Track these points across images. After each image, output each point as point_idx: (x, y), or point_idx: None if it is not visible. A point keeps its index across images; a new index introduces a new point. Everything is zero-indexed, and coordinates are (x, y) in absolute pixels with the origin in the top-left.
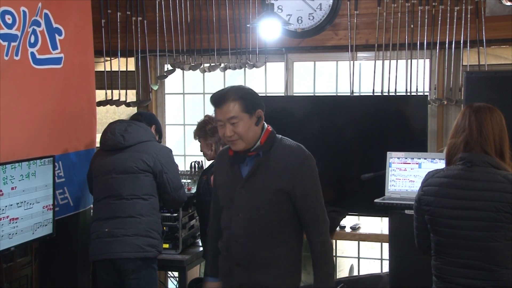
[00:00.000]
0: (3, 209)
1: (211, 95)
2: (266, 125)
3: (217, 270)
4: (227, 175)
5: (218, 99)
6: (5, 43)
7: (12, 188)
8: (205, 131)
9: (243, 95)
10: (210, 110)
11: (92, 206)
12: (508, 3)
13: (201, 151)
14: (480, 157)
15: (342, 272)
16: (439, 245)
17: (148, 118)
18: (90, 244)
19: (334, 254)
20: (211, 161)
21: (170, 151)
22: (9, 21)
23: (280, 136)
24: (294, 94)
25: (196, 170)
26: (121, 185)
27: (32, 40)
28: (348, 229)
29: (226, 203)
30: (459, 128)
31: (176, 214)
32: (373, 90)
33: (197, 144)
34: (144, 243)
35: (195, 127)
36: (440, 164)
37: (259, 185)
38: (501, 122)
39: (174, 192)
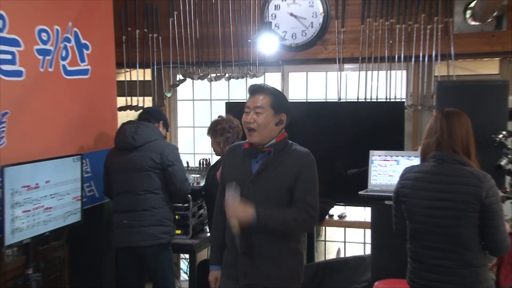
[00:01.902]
0: (39, 200)
1: (250, 85)
2: (284, 130)
3: (221, 260)
4: (237, 169)
5: (255, 88)
6: (41, 57)
7: (47, 182)
8: (215, 130)
9: (276, 94)
10: (215, 115)
11: None
12: (473, 23)
13: (211, 146)
14: (450, 155)
15: (330, 254)
16: (414, 231)
17: (156, 114)
18: (113, 233)
19: (322, 239)
20: (218, 158)
21: (176, 147)
22: (45, 38)
23: (291, 141)
24: (290, 100)
25: (204, 166)
26: (135, 182)
27: (64, 54)
28: (336, 217)
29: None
30: (432, 130)
31: (186, 205)
32: (358, 97)
33: (205, 144)
34: (158, 231)
35: (203, 128)
36: (415, 161)
37: (267, 181)
38: (467, 125)
39: (180, 184)
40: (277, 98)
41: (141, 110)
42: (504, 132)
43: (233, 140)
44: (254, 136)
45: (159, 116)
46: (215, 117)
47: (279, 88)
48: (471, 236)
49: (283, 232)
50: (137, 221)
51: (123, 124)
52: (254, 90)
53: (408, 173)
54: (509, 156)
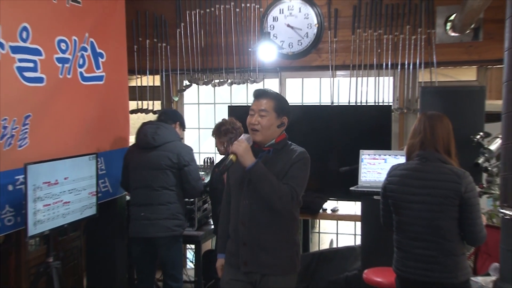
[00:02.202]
0: (58, 195)
1: (254, 90)
2: (284, 131)
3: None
4: (239, 166)
5: (260, 92)
6: (60, 65)
7: (65, 178)
8: (220, 131)
9: (279, 99)
10: (219, 117)
11: (126, 193)
12: (453, 34)
13: (215, 146)
14: (432, 154)
15: (324, 245)
16: (400, 223)
17: (173, 116)
18: (130, 223)
19: (317, 230)
20: (222, 156)
21: (191, 149)
22: (64, 48)
23: (291, 142)
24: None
25: (208, 164)
26: (153, 178)
27: (81, 62)
28: (329, 211)
29: (235, 191)
30: (416, 131)
31: (192, 200)
32: (349, 101)
33: (209, 144)
34: (172, 224)
35: (208, 130)
36: (402, 160)
37: None
38: (448, 127)
39: (194, 182)
40: (280, 102)
41: (160, 111)
42: (481, 133)
43: (236, 139)
44: (257, 135)
45: (175, 118)
46: (218, 120)
47: (280, 93)
48: (451, 227)
49: (266, 196)
50: (153, 214)
51: (144, 124)
52: (259, 95)
53: (394, 170)
54: (486, 155)
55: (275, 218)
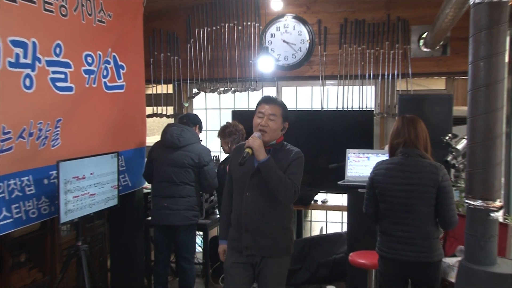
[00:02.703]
0: (85, 188)
1: (263, 96)
2: (282, 134)
3: (227, 236)
4: (238, 165)
5: (270, 98)
6: (87, 76)
7: (91, 173)
8: (224, 132)
9: (285, 107)
10: (223, 121)
11: (143, 186)
12: (425, 49)
13: (221, 146)
14: (414, 151)
15: (315, 231)
16: (385, 210)
17: (193, 119)
18: (153, 212)
19: (308, 219)
20: (227, 155)
21: (209, 151)
22: (90, 61)
23: (286, 143)
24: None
25: (214, 162)
26: (176, 174)
27: (105, 73)
28: (319, 202)
29: (239, 185)
30: (400, 132)
31: (201, 192)
32: (337, 106)
33: (215, 144)
34: (190, 214)
35: (214, 131)
36: (383, 157)
37: None
38: (425, 128)
39: (211, 180)
40: (285, 110)
41: (183, 115)
42: (449, 135)
43: (239, 140)
44: (265, 136)
45: (195, 121)
46: (223, 123)
47: None
48: (429, 213)
49: (274, 188)
50: (175, 205)
51: (169, 126)
52: (270, 100)
53: (380, 165)
54: (453, 153)
55: (273, 208)
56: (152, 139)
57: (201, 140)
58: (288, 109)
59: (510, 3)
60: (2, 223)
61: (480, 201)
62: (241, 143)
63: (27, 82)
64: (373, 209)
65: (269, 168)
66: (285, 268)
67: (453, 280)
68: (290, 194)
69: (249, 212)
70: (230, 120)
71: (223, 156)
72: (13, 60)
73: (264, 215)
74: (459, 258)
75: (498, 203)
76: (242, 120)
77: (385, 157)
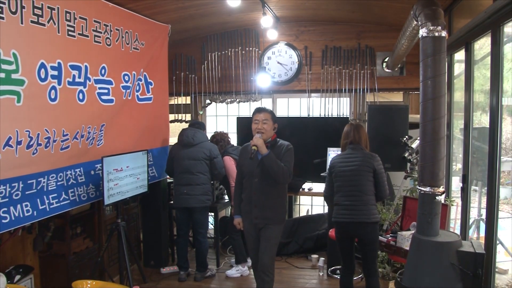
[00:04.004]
0: (122, 178)
1: (256, 107)
2: (274, 133)
3: (240, 211)
4: (248, 158)
5: (261, 108)
6: (124, 90)
7: (127, 166)
8: (212, 142)
9: (272, 113)
10: (231, 125)
11: (167, 177)
12: (387, 70)
13: None
14: (358, 146)
15: (302, 212)
16: (338, 187)
17: (201, 125)
18: (175, 198)
19: (297, 203)
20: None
21: (217, 147)
22: (127, 79)
23: (279, 139)
24: (277, 116)
25: (222, 157)
26: (193, 166)
27: (137, 88)
28: (306, 190)
29: (248, 174)
30: (348, 134)
31: (212, 181)
32: (320, 114)
33: None
34: (204, 198)
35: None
36: None
37: None
38: (366, 132)
39: (220, 169)
40: (273, 115)
41: (193, 121)
42: (406, 136)
43: (224, 145)
44: (262, 136)
45: (203, 126)
46: (231, 127)
47: (271, 108)
48: (368, 187)
49: (275, 174)
50: (192, 191)
51: (184, 129)
52: (261, 110)
53: (336, 157)
54: (409, 151)
55: (273, 189)
56: (174, 139)
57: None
58: (281, 116)
59: (446, 38)
60: (62, 203)
61: (428, 187)
62: (246, 144)
63: (80, 96)
64: (330, 189)
65: (270, 159)
66: (280, 231)
67: (407, 248)
68: (286, 176)
69: (257, 192)
70: (235, 125)
71: None
72: (70, 80)
73: (267, 194)
74: (412, 231)
75: (441, 189)
76: (245, 124)
77: None
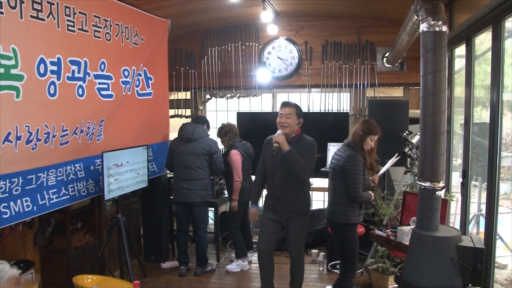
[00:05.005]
0: (122, 173)
1: (282, 101)
2: (299, 128)
3: (257, 202)
4: (269, 154)
5: (286, 102)
6: (124, 86)
7: (127, 162)
8: (221, 132)
9: (298, 107)
10: (231, 120)
11: (167, 172)
12: (387, 65)
13: (221, 143)
14: (347, 141)
15: None
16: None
17: (203, 119)
18: (174, 192)
19: None
20: (227, 149)
21: (217, 142)
22: (126, 74)
23: (304, 134)
24: (276, 111)
25: (223, 152)
26: (192, 161)
27: (137, 83)
28: None
29: (271, 168)
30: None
31: (212, 177)
32: (320, 109)
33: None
34: (204, 193)
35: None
36: None
37: None
38: (361, 125)
39: (219, 165)
40: (298, 110)
41: (195, 116)
42: (406, 131)
43: (233, 136)
44: (286, 130)
45: (204, 121)
46: (230, 122)
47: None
48: (338, 186)
49: (296, 170)
50: (192, 186)
51: (184, 124)
52: (286, 104)
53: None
54: (409, 146)
55: (296, 183)
56: (174, 134)
57: (210, 135)
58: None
59: (447, 33)
60: (62, 198)
61: (428, 182)
62: (269, 137)
63: (80, 91)
64: None
65: (291, 156)
66: (304, 223)
67: (407, 243)
68: (307, 173)
69: (280, 186)
70: (235, 120)
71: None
72: (70, 75)
73: (290, 188)
74: (412, 226)
75: (441, 184)
76: (245, 119)
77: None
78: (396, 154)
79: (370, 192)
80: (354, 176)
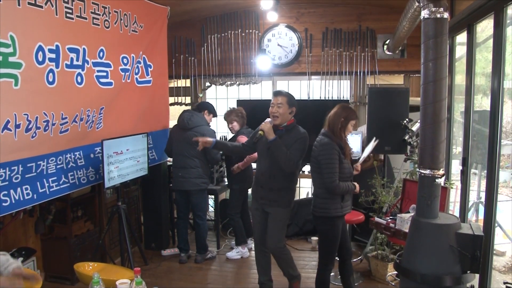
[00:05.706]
0: (122, 161)
1: (274, 90)
2: (292, 117)
3: (218, 143)
4: (263, 139)
5: (277, 92)
6: (123, 73)
7: (127, 149)
8: (230, 116)
9: (289, 96)
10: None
11: (168, 160)
12: (388, 52)
13: (228, 127)
14: (322, 130)
15: (303, 195)
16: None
17: (202, 106)
18: (173, 180)
19: (298, 186)
20: (233, 135)
21: (214, 132)
22: (125, 62)
23: (298, 125)
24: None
25: (224, 138)
26: (187, 150)
27: (136, 71)
28: (306, 172)
29: (261, 155)
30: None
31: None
32: (320, 96)
33: (223, 126)
34: (199, 181)
35: (223, 116)
36: (355, 137)
37: None
38: (337, 110)
39: (214, 155)
40: (290, 98)
41: (197, 103)
42: (406, 119)
43: (243, 122)
44: (276, 120)
45: (204, 107)
46: (230, 106)
47: (270, 92)
48: (317, 179)
49: (279, 160)
50: (187, 174)
51: (183, 112)
52: (277, 93)
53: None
54: (410, 133)
55: (281, 173)
56: (174, 122)
57: (209, 124)
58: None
59: (448, 20)
60: (62, 186)
61: (428, 170)
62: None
63: (79, 79)
64: None
65: (275, 146)
66: (283, 215)
67: (406, 230)
68: (290, 165)
69: (264, 174)
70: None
71: (230, 135)
72: (68, 63)
73: (274, 177)
74: (412, 214)
75: (441, 171)
76: (245, 107)
77: (357, 136)
78: (374, 138)
79: (355, 183)
80: (328, 165)
